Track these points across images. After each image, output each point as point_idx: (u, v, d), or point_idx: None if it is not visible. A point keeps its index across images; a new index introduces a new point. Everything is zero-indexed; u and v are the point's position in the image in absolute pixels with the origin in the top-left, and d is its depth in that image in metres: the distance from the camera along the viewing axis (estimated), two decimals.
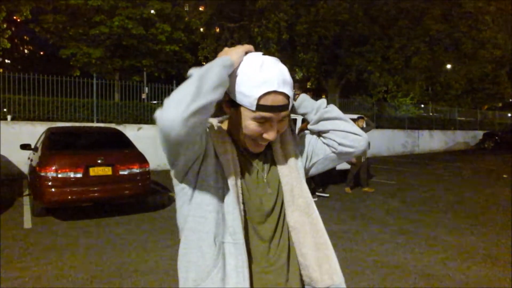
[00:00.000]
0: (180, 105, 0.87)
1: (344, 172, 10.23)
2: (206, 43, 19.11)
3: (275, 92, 1.05)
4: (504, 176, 11.93)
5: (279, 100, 1.07)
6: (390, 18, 20.08)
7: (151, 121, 12.99)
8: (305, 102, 1.31)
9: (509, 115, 34.83)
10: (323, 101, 1.32)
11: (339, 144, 1.27)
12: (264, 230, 1.17)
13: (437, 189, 9.56)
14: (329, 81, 22.16)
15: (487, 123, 28.76)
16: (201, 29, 19.95)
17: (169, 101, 0.89)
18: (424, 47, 20.52)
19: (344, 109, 19.03)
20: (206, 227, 1.07)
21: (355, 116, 10.53)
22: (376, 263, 4.47)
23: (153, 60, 17.43)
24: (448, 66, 23.92)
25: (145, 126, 12.63)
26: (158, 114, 0.89)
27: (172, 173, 1.13)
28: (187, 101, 0.88)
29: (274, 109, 1.06)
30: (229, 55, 1.06)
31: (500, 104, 36.17)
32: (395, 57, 20.03)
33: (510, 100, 39.54)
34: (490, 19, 22.02)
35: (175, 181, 1.14)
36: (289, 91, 1.08)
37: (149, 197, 7.29)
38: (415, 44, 20.18)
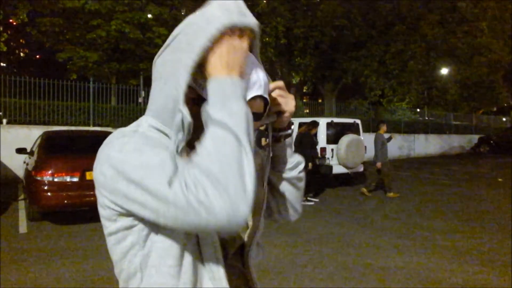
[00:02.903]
0: (246, 195, 0.65)
1: (340, 176, 10.26)
2: None
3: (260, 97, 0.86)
4: (500, 179, 11.99)
5: (259, 107, 0.87)
6: (387, 23, 20.24)
7: None
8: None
9: (504, 119, 35.04)
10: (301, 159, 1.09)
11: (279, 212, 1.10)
12: (236, 261, 0.98)
13: (433, 193, 9.59)
14: (326, 85, 22.25)
15: (482, 127, 28.92)
16: None
17: (222, 191, 0.64)
18: (421, 51, 20.68)
19: (341, 113, 19.10)
20: (180, 276, 0.82)
21: (351, 120, 10.62)
22: (373, 267, 4.47)
23: (150, 63, 17.41)
24: (444, 71, 24.08)
25: None
26: (224, 217, 0.64)
27: (109, 213, 0.83)
28: (250, 184, 0.66)
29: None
30: (239, 74, 0.76)
31: (495, 109, 36.40)
32: (391, 61, 20.17)
33: (505, 104, 39.81)
34: (486, 25, 22.25)
35: (112, 216, 0.83)
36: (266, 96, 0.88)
37: None
38: (411, 48, 20.34)
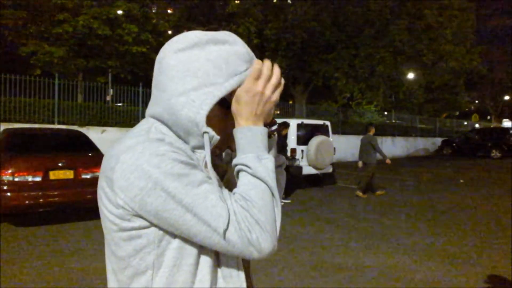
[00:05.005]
0: (277, 236, 0.85)
1: (311, 176, 10.38)
2: None
3: None
4: (461, 181, 12.49)
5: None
6: (357, 27, 20.68)
7: (116, 123, 12.68)
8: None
9: (465, 123, 36.61)
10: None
11: None
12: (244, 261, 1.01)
13: (399, 193, 9.87)
14: (297, 87, 22.49)
15: (445, 130, 30.06)
16: (170, 32, 19.72)
17: (266, 233, 0.81)
18: (389, 56, 21.26)
19: (311, 114, 19.35)
20: (197, 274, 0.86)
21: (320, 122, 10.76)
22: (342, 266, 4.54)
23: (119, 61, 17.03)
24: (410, 75, 24.87)
25: (109, 129, 12.30)
26: (258, 249, 0.81)
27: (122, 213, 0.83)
28: (279, 227, 0.86)
29: None
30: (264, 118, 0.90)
31: (457, 113, 37.96)
32: (361, 65, 20.61)
33: (466, 109, 41.56)
34: (450, 33, 23.15)
35: (125, 216, 0.83)
36: None
37: None
38: (380, 53, 20.87)
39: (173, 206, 0.78)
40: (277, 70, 0.90)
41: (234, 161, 0.87)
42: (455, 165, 17.95)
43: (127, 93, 13.60)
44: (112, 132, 12.15)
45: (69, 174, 5.98)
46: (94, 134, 11.12)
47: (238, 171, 0.86)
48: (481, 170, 16.03)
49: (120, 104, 14.20)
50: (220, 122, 0.91)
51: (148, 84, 14.96)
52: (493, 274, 4.34)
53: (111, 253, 0.89)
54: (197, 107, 0.84)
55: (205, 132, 0.83)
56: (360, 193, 9.22)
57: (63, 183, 5.92)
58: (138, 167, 0.79)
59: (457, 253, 5.14)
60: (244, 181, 0.84)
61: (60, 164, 5.95)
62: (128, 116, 13.28)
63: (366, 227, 6.49)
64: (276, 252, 0.89)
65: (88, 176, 6.17)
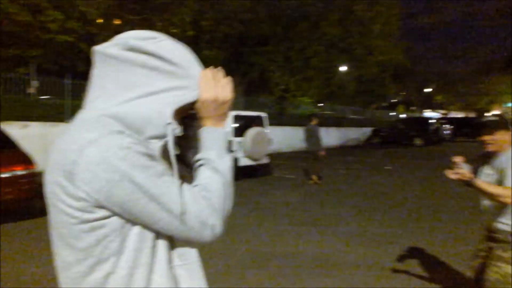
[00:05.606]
0: (225, 220, 0.97)
1: (247, 167, 10.47)
2: (104, 36, 17.97)
3: None
4: (388, 167, 13.36)
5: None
6: (291, 20, 21.12)
7: (39, 118, 11.81)
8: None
9: (392, 113, 39.13)
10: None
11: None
12: None
13: (332, 182, 10.32)
14: (233, 79, 22.48)
15: (374, 121, 31.90)
16: (99, 20, 18.69)
17: (221, 219, 0.95)
18: (322, 49, 22.01)
19: (248, 106, 19.48)
20: (157, 257, 0.93)
21: (256, 114, 10.89)
22: (274, 254, 4.67)
23: (42, 50, 15.81)
24: (343, 68, 25.99)
25: (32, 124, 11.39)
26: (213, 234, 0.93)
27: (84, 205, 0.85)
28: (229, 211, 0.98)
29: None
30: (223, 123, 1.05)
31: (385, 104, 40.43)
32: (295, 57, 21.11)
33: (393, 100, 44.40)
34: (378, 28, 24.48)
35: (86, 207, 0.85)
36: None
37: (36, 201, 6.61)
38: (314, 46, 21.52)
39: (139, 196, 0.84)
40: (222, 72, 1.05)
41: (198, 156, 0.99)
42: (382, 153, 19.14)
43: (53, 85, 12.70)
44: (36, 128, 11.26)
45: None
46: (14, 129, 10.25)
47: (201, 165, 0.98)
48: (405, 157, 17.26)
49: (45, 97, 13.23)
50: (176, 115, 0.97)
51: (77, 75, 14.11)
52: (414, 252, 4.73)
53: (67, 246, 0.89)
54: (165, 104, 0.92)
55: (169, 123, 0.91)
56: (317, 179, 9.85)
57: None
58: (105, 160, 0.82)
59: (382, 235, 5.51)
60: (207, 174, 0.96)
61: None
62: (55, 110, 12.42)
63: (298, 215, 6.72)
64: (210, 244, 0.96)
65: (7, 175, 5.72)
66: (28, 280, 3.83)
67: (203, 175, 0.96)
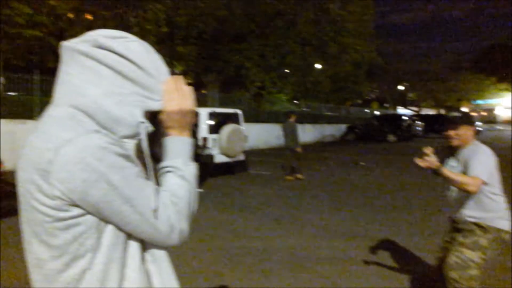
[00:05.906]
0: (191, 221, 1.00)
1: (223, 164, 10.44)
2: (75, 31, 17.49)
3: None
4: (362, 163, 13.60)
5: None
6: (267, 17, 21.14)
7: (7, 115, 11.39)
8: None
9: (366, 110, 39.84)
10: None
11: None
12: None
13: (307, 178, 10.41)
14: (209, 76, 22.37)
15: (349, 118, 32.39)
16: (70, 15, 18.17)
17: (188, 224, 0.98)
18: (297, 47, 22.13)
19: (224, 103, 19.42)
20: (129, 252, 0.96)
21: (232, 111, 10.87)
22: (250, 249, 4.68)
23: (9, 45, 15.24)
24: (318, 65, 26.25)
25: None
26: (180, 238, 0.96)
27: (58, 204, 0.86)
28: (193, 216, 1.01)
29: None
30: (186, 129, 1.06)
31: (359, 101, 41.09)
32: (271, 55, 21.16)
33: (367, 97, 45.19)
34: (352, 27, 24.84)
35: (61, 206, 0.86)
36: None
37: (2, 201, 6.39)
38: (289, 44, 21.61)
39: (114, 197, 0.86)
40: (184, 81, 1.05)
41: (164, 163, 1.01)
42: (356, 149, 19.47)
43: (21, 81, 12.27)
44: (3, 125, 10.87)
45: None
46: None
47: (168, 171, 1.00)
48: (379, 153, 17.61)
49: (13, 93, 12.77)
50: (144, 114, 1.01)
51: (46, 71, 13.67)
52: (386, 244, 4.84)
53: (41, 243, 0.89)
54: (134, 105, 0.95)
55: (142, 122, 0.94)
56: (299, 176, 10.01)
57: None
58: (82, 159, 0.82)
59: (356, 229, 5.61)
60: (174, 181, 0.98)
61: None
62: (23, 106, 12.00)
63: (275, 211, 6.76)
64: (187, 241, 1.00)
65: None
66: None
67: (170, 181, 0.98)
